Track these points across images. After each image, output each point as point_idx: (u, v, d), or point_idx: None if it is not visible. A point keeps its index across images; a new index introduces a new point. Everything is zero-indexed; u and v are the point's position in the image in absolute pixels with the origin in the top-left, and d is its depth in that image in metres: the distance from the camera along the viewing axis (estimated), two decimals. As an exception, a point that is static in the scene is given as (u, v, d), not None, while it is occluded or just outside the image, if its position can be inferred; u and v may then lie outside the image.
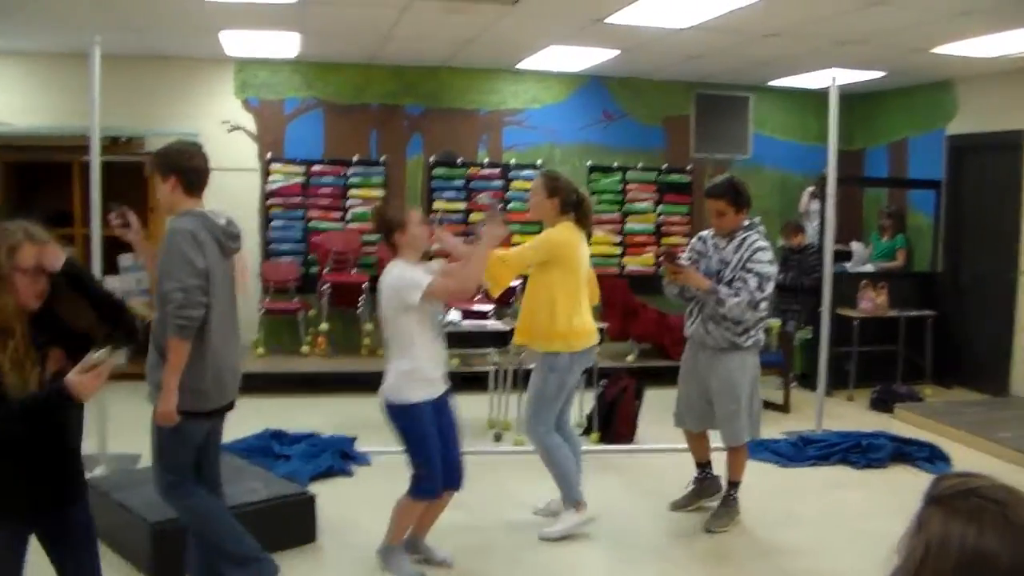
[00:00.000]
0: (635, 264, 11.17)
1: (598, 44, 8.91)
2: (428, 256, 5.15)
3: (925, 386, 9.66)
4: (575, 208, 5.61)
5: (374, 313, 10.01)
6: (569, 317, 5.53)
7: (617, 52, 9.19)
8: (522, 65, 10.15)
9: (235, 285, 4.67)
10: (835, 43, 8.28)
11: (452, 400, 5.00)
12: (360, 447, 7.18)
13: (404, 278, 4.72)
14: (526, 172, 10.69)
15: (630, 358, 10.06)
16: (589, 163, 10.92)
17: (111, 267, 9.14)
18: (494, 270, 5.39)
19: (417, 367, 4.78)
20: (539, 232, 5.87)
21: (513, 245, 7.13)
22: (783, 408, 8.96)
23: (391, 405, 4.84)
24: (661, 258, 5.85)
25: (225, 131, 10.13)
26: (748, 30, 7.99)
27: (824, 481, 6.97)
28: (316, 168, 10.34)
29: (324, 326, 9.77)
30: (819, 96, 10.46)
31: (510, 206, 10.47)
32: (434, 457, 4.82)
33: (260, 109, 10.25)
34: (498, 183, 10.67)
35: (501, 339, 7.93)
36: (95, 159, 6.65)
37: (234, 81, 10.17)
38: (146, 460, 6.56)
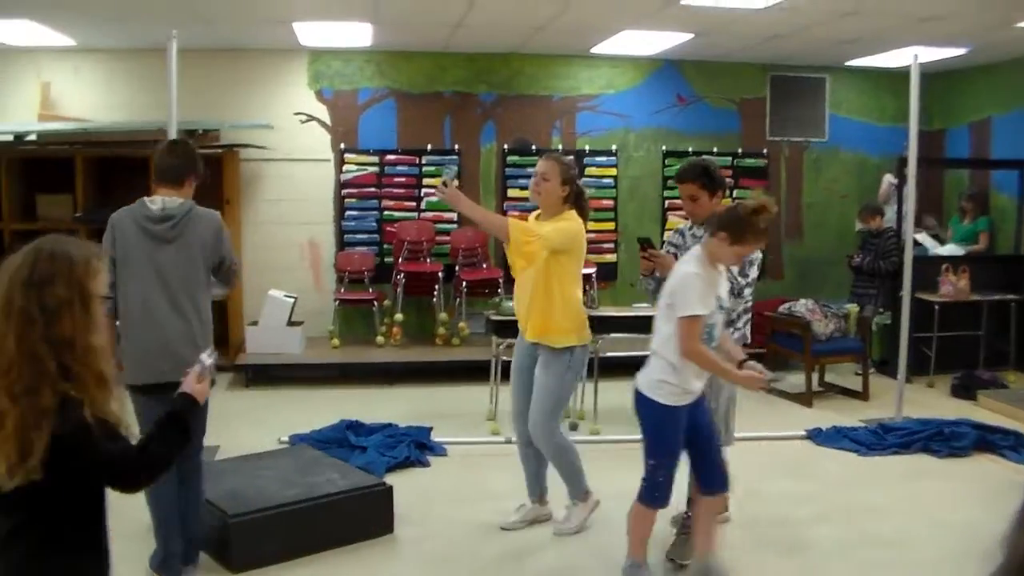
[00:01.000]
0: (710, 249, 11.04)
1: (673, 27, 8.82)
2: None
3: (1009, 372, 9.45)
4: (576, 199, 5.35)
5: (448, 303, 10.11)
6: (580, 309, 5.38)
7: (691, 35, 9.09)
8: (596, 50, 10.07)
9: (191, 268, 4.70)
10: (916, 20, 8.11)
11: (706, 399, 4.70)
12: (436, 437, 7.19)
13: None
14: (600, 158, 10.64)
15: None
16: (663, 148, 10.83)
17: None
18: (529, 247, 5.11)
19: (681, 381, 4.40)
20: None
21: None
22: (862, 395, 8.82)
23: (641, 394, 4.50)
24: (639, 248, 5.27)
25: (299, 122, 10.19)
26: (826, 8, 7.85)
27: (905, 470, 6.84)
28: (390, 158, 10.37)
29: (399, 316, 9.80)
30: (897, 76, 10.29)
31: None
32: (669, 463, 4.50)
33: (333, 99, 10.30)
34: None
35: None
36: (172, 153, 6.70)
37: (307, 72, 10.23)
38: (224, 452, 6.69)
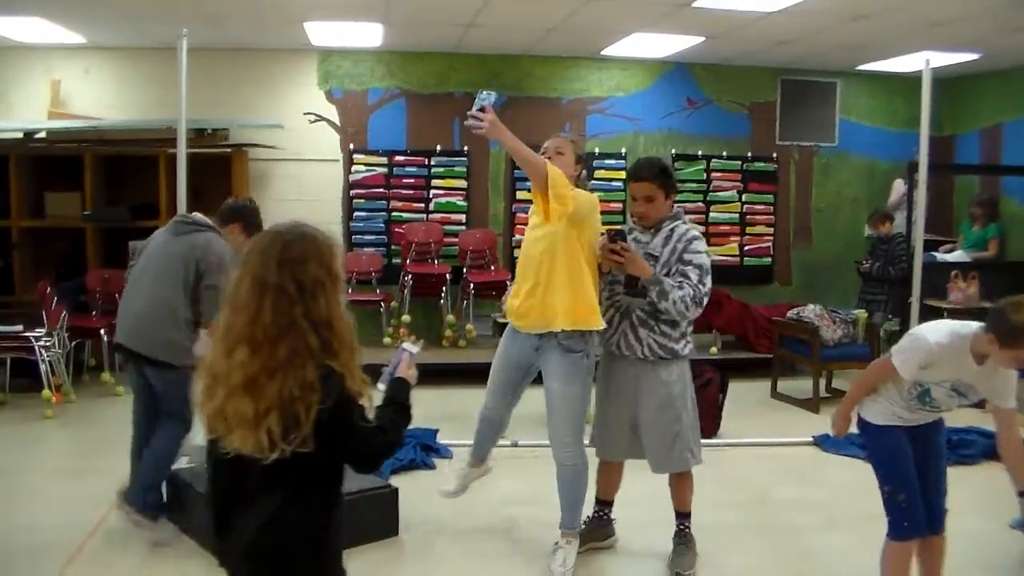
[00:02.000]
0: (719, 254, 11.03)
1: (684, 30, 8.81)
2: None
3: (1018, 380, 9.39)
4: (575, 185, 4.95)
5: (455, 304, 10.09)
6: (593, 292, 4.88)
7: (702, 39, 9.07)
8: (606, 52, 10.07)
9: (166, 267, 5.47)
10: (927, 24, 8.08)
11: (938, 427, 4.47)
12: (442, 440, 7.18)
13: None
14: (609, 161, 10.63)
15: (713, 350, 9.94)
16: (673, 151, 10.80)
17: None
18: (565, 191, 4.73)
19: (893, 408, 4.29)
20: None
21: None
22: (869, 401, 8.77)
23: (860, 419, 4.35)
24: (603, 237, 4.80)
25: (308, 122, 10.18)
26: (837, 12, 7.84)
27: (913, 478, 6.80)
28: (399, 158, 10.36)
29: (406, 317, 9.78)
30: (908, 81, 10.27)
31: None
32: (911, 486, 4.26)
33: (343, 100, 10.29)
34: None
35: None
36: (182, 151, 6.72)
37: (317, 72, 10.23)
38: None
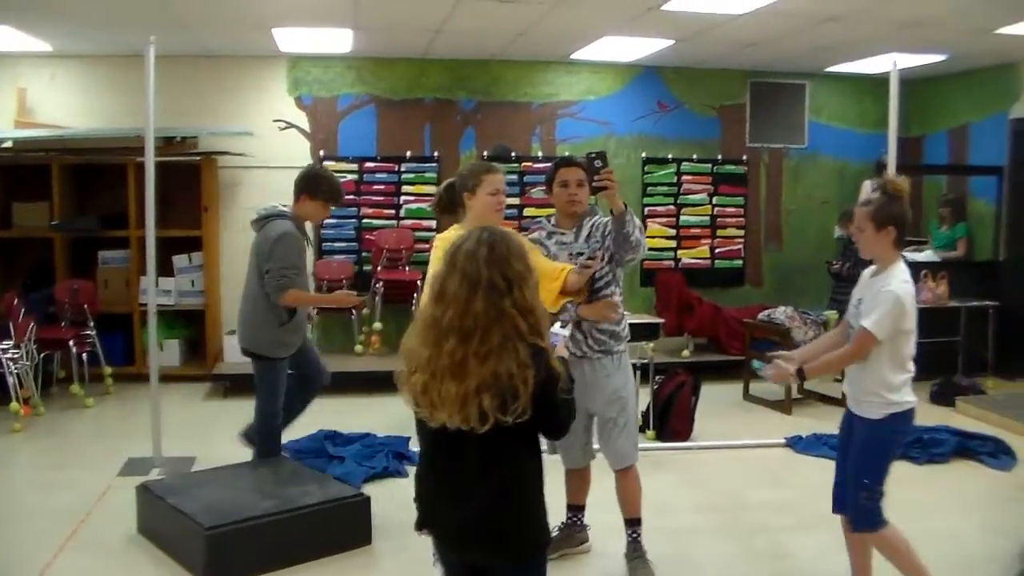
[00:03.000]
0: (690, 257, 11.05)
1: (653, 33, 8.81)
2: None
3: (987, 378, 9.48)
4: None
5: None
6: None
7: (672, 42, 9.09)
8: (576, 56, 10.07)
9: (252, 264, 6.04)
10: (895, 26, 8.12)
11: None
12: (415, 447, 7.14)
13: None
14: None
15: (686, 353, 9.97)
16: (643, 155, 10.82)
17: (166, 268, 9.21)
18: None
19: None
20: None
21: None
22: (841, 402, 8.78)
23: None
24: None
25: (278, 129, 10.13)
26: (806, 14, 7.86)
27: (885, 478, 6.84)
28: (369, 165, 10.32)
29: (378, 325, 9.74)
30: (876, 82, 10.32)
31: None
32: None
33: (313, 106, 10.25)
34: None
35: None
36: (150, 160, 6.65)
37: (287, 79, 10.18)
38: (201, 463, 6.64)
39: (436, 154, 10.44)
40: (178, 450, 6.92)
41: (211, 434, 7.68)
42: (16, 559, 5.15)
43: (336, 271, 10.10)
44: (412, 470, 6.68)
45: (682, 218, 11.03)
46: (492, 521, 3.08)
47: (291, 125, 10.20)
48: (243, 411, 8.45)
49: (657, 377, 7.93)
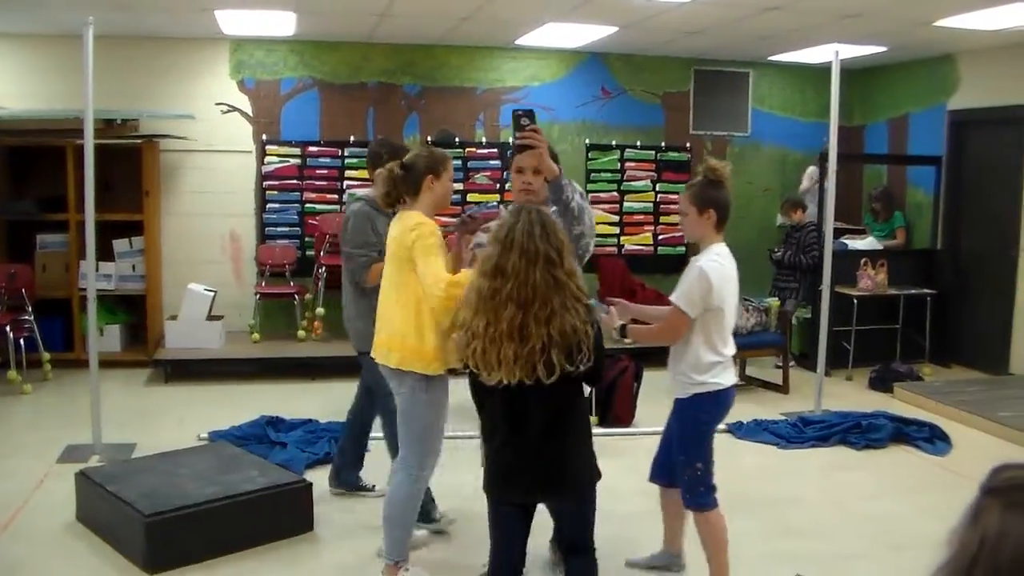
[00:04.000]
0: (633, 244, 11.10)
1: (596, 20, 8.82)
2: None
3: (924, 365, 9.63)
4: None
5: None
6: None
7: (616, 28, 9.11)
8: (520, 42, 10.06)
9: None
10: (836, 17, 8.20)
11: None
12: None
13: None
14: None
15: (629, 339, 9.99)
16: (587, 141, 10.84)
17: (106, 253, 9.10)
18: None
19: None
20: None
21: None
22: (782, 389, 8.92)
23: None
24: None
25: (220, 112, 10.03)
26: (748, 3, 7.90)
27: (824, 463, 6.94)
28: (312, 149, 10.26)
29: (321, 310, 9.69)
30: (819, 72, 10.42)
31: (507, 186, 10.37)
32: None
33: (256, 90, 10.15)
34: (495, 163, 10.58)
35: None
36: (89, 142, 6.56)
37: (229, 61, 10.07)
38: (142, 449, 6.58)
39: (379, 139, 10.38)
40: (118, 437, 6.86)
41: (152, 420, 7.62)
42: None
43: (279, 256, 10.03)
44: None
45: (625, 204, 11.08)
46: (559, 463, 3.59)
47: (233, 108, 10.10)
48: (186, 396, 8.45)
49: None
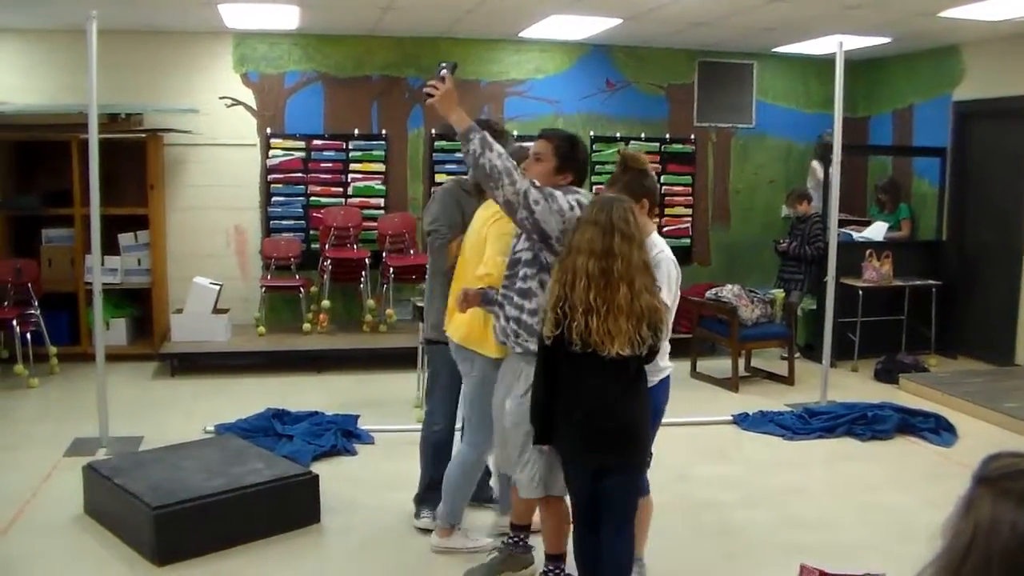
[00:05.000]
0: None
1: (600, 12, 8.82)
2: None
3: (930, 356, 9.63)
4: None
5: (375, 289, 10.04)
6: None
7: (620, 20, 9.10)
8: (524, 34, 10.05)
9: None
10: (841, 8, 8.18)
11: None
12: (363, 425, 7.15)
13: None
14: (528, 144, 10.56)
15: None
16: (592, 134, 10.83)
17: (111, 247, 9.11)
18: None
19: None
20: None
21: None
22: (787, 380, 8.91)
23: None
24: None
25: (224, 106, 10.03)
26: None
27: (829, 454, 6.95)
28: (317, 143, 10.26)
29: (326, 303, 9.70)
30: (823, 63, 10.39)
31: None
32: None
33: (259, 83, 10.15)
34: (500, 155, 10.55)
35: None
36: (93, 137, 6.56)
37: (233, 55, 10.07)
38: (148, 442, 6.59)
39: (384, 132, 10.39)
40: (125, 430, 6.87)
41: (158, 413, 7.64)
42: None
43: (284, 249, 10.04)
44: (360, 448, 6.76)
45: (630, 197, 11.04)
46: (630, 428, 3.92)
47: (238, 102, 10.10)
48: (192, 389, 8.47)
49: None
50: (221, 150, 10.03)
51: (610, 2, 8.26)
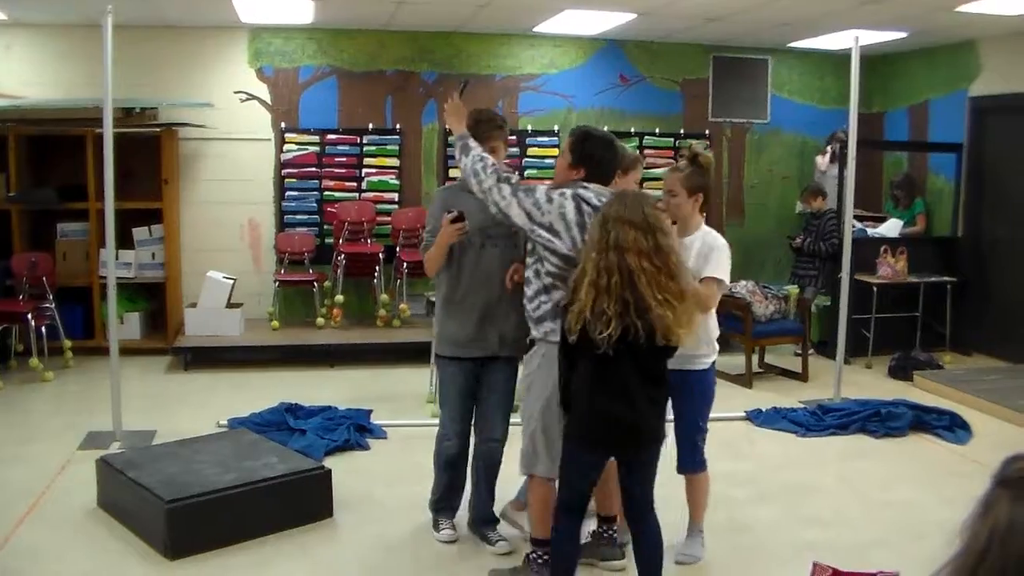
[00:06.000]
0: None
1: (614, 7, 8.80)
2: None
3: (944, 353, 9.59)
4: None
5: (389, 284, 10.05)
6: None
7: (634, 15, 9.08)
8: (538, 29, 10.03)
9: None
10: (857, 2, 8.14)
11: None
12: (376, 420, 7.16)
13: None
14: (542, 139, 10.60)
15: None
16: (606, 129, 10.74)
17: (126, 241, 9.14)
18: None
19: None
20: None
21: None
22: (801, 376, 8.89)
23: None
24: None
25: (239, 101, 10.04)
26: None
27: (843, 451, 6.92)
28: (331, 137, 10.26)
29: (339, 298, 9.72)
30: (838, 58, 10.37)
31: (526, 173, 10.37)
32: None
33: (274, 78, 10.16)
34: (514, 150, 10.54)
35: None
36: (108, 131, 6.57)
37: (248, 50, 10.08)
38: (162, 436, 6.61)
39: (398, 127, 10.39)
40: (138, 423, 6.88)
41: (171, 407, 7.66)
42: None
43: (298, 244, 10.05)
44: (373, 443, 6.76)
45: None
46: (654, 419, 4.01)
47: (252, 97, 10.11)
48: (206, 383, 8.49)
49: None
50: (235, 144, 10.04)
51: (625, -3, 8.25)
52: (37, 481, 5.88)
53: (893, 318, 9.60)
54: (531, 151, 10.52)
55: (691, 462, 4.93)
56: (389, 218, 10.21)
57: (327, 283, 10.00)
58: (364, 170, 10.32)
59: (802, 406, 7.82)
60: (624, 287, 3.75)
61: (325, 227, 10.23)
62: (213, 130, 9.87)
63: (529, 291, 4.39)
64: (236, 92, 10.04)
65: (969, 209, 10.17)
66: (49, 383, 8.38)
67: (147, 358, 9.14)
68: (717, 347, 4.96)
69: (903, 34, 9.64)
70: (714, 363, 4.95)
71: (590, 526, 4.91)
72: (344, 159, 10.29)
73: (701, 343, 4.72)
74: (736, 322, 8.82)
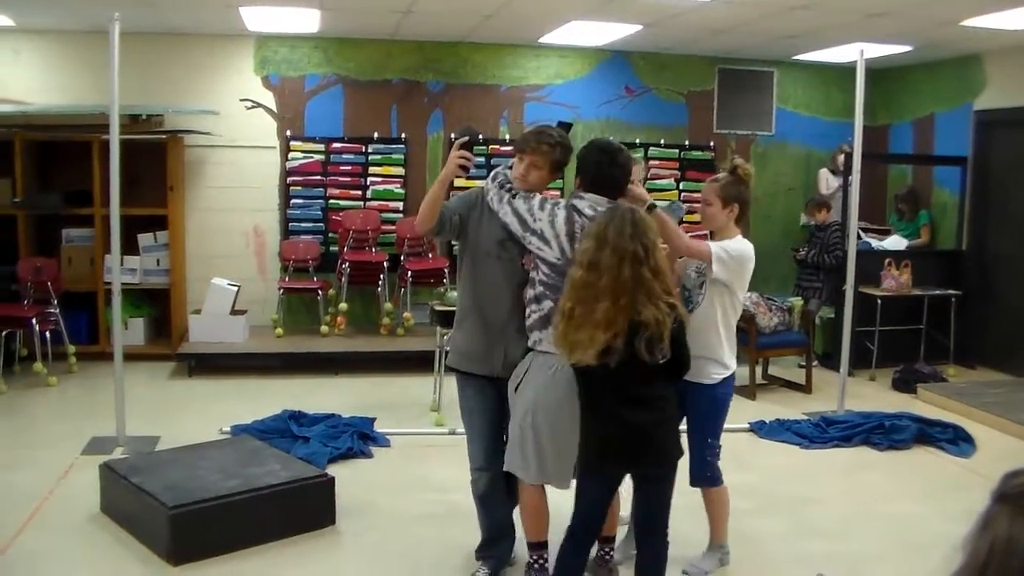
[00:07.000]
0: (657, 241, 11.06)
1: (620, 19, 8.81)
2: None
3: (948, 366, 9.57)
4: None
5: (393, 292, 10.06)
6: None
7: (640, 27, 9.09)
8: (544, 40, 10.05)
9: None
10: (863, 16, 8.16)
11: None
12: (380, 428, 7.15)
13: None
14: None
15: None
16: (611, 140, 10.79)
17: (131, 247, 9.15)
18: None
19: None
20: None
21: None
22: (805, 388, 8.89)
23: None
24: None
25: (245, 108, 10.06)
26: (773, 1, 7.87)
27: (846, 463, 6.91)
28: (336, 145, 10.28)
29: (344, 306, 9.73)
30: (843, 71, 10.38)
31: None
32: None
33: (280, 86, 10.18)
34: (519, 160, 10.53)
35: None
36: (115, 137, 6.59)
37: (254, 58, 10.11)
38: (165, 442, 6.61)
39: (403, 136, 10.41)
40: (142, 429, 6.89)
41: (175, 413, 7.67)
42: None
43: (302, 251, 10.06)
44: (377, 451, 6.76)
45: (649, 203, 11.02)
46: (657, 436, 3.93)
47: (258, 104, 10.13)
48: (210, 390, 8.50)
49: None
50: (241, 152, 10.07)
51: (630, 9, 8.25)
52: (40, 486, 5.88)
53: (897, 331, 9.59)
54: (536, 161, 10.50)
55: (701, 476, 4.87)
56: (394, 227, 10.23)
57: (331, 291, 10.01)
58: (369, 179, 10.34)
59: (806, 418, 7.81)
60: (602, 307, 3.71)
61: (330, 235, 10.25)
62: (219, 137, 9.89)
63: (523, 300, 4.42)
64: (242, 100, 10.06)
65: (974, 222, 10.17)
66: (53, 388, 8.39)
67: (151, 364, 9.15)
68: (731, 365, 4.75)
69: (908, 48, 9.65)
70: (727, 379, 4.74)
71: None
72: (349, 167, 10.31)
73: (715, 357, 4.67)
74: (740, 333, 8.80)
